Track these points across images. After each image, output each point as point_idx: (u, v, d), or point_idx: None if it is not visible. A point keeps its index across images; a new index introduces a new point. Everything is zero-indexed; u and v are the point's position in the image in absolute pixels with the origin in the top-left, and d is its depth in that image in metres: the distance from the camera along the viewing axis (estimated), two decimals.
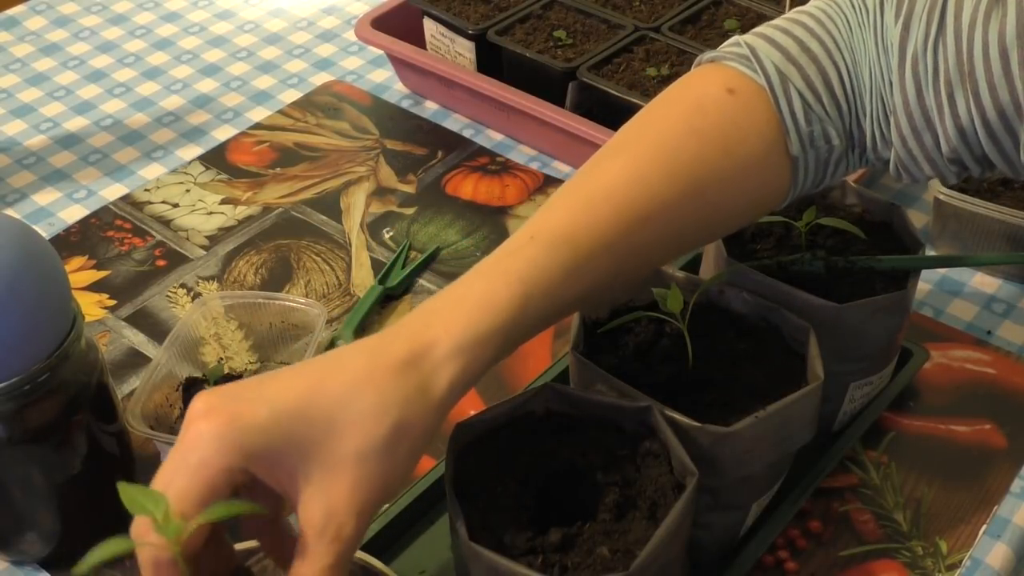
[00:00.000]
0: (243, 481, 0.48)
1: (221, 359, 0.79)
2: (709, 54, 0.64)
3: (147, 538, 0.46)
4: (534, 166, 1.02)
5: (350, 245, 0.93)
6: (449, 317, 0.52)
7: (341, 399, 0.49)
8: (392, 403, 0.50)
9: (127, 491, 0.46)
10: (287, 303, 0.80)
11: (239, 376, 0.77)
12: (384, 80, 1.13)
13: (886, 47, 0.61)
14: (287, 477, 0.48)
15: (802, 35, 0.62)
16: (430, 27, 1.07)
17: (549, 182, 1.00)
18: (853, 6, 0.63)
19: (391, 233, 0.95)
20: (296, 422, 0.48)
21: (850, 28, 0.62)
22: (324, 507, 0.48)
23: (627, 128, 0.61)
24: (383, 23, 1.08)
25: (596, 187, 0.58)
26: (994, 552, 0.70)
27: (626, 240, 0.57)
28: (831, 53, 0.61)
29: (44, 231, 0.95)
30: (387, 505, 0.71)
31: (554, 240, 0.55)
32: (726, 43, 0.64)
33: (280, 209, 0.97)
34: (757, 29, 0.64)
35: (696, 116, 0.60)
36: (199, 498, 0.47)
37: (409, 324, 0.53)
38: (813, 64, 0.61)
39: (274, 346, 0.81)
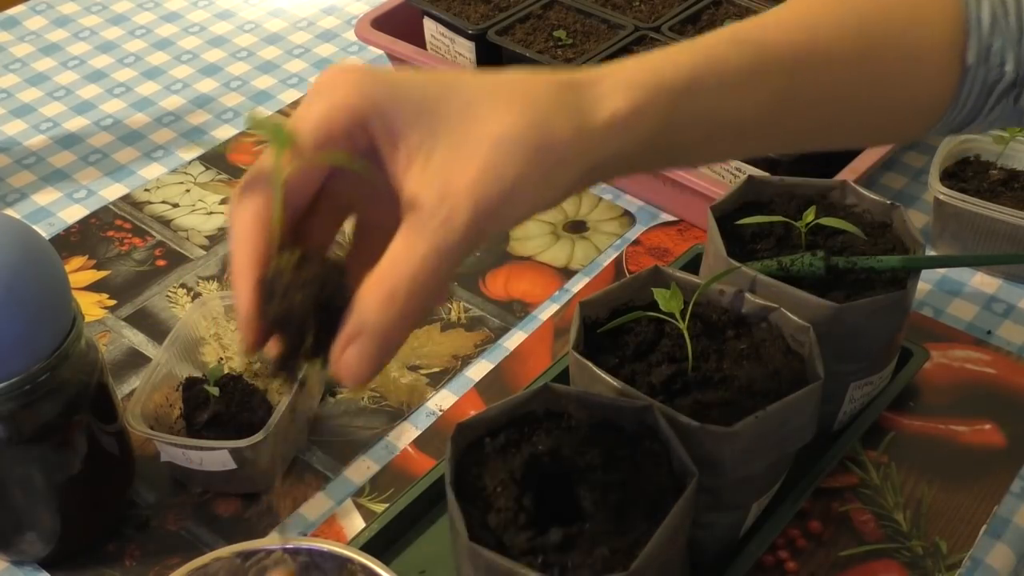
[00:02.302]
0: (363, 145, 0.45)
1: (221, 359, 0.79)
2: None
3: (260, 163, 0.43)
4: None
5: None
6: (620, 65, 0.49)
7: (489, 87, 0.45)
8: (541, 108, 0.45)
9: (252, 115, 0.45)
10: None
11: (239, 376, 0.77)
12: None
13: None
14: (408, 152, 0.44)
15: None
16: (430, 27, 1.07)
17: None
18: None
19: None
20: (435, 91, 0.44)
21: None
22: (440, 186, 0.43)
23: None
24: (383, 23, 1.08)
25: (789, 11, 0.56)
26: (994, 552, 0.70)
27: (805, 70, 0.54)
28: None
29: (44, 231, 0.95)
30: (387, 505, 0.71)
31: (741, 36, 0.53)
32: None
33: None
34: None
35: None
36: (319, 134, 0.44)
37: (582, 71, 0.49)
38: None
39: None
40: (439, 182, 0.43)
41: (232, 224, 0.45)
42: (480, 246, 0.47)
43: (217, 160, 1.03)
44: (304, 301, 0.43)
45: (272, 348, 0.45)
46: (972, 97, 0.60)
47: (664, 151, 0.51)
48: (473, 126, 0.44)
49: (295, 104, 1.10)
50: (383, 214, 0.47)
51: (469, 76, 0.46)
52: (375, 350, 0.43)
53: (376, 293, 0.43)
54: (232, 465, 0.70)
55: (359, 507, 0.73)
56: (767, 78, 0.53)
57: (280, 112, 1.09)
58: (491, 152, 0.44)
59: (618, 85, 0.48)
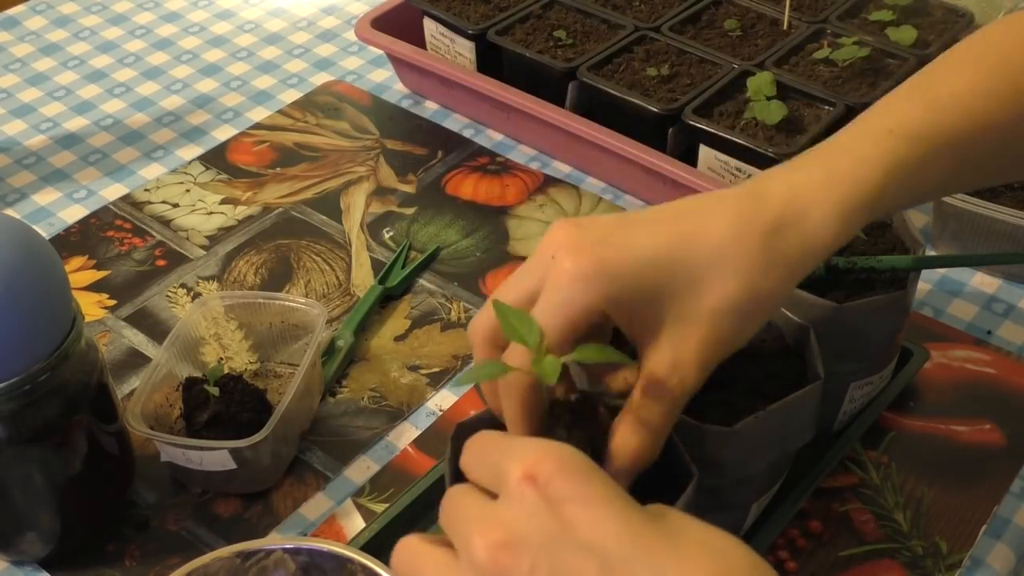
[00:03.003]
0: (597, 324, 0.51)
1: (221, 359, 0.79)
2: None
3: (523, 366, 0.48)
4: (534, 166, 1.02)
5: (350, 245, 0.93)
6: (819, 190, 0.54)
7: (707, 257, 0.51)
8: (756, 271, 0.51)
9: (502, 310, 0.48)
10: (287, 303, 0.80)
11: (239, 376, 0.77)
12: (384, 80, 1.13)
13: None
14: (640, 324, 0.51)
15: None
16: (430, 27, 1.07)
17: (549, 182, 1.00)
18: None
19: (391, 233, 0.95)
20: (660, 274, 0.50)
21: None
22: (672, 357, 0.50)
23: (970, 43, 0.63)
24: (383, 23, 1.08)
25: (943, 89, 0.59)
26: (994, 552, 0.70)
27: (968, 149, 0.58)
28: None
29: (44, 231, 0.95)
30: (387, 505, 0.71)
31: (913, 134, 0.56)
32: None
33: (280, 209, 0.97)
34: None
35: None
36: (563, 337, 0.49)
37: (779, 188, 0.54)
38: None
39: (274, 346, 0.81)
40: (670, 351, 0.51)
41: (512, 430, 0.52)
42: None
43: (217, 160, 1.03)
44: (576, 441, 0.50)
45: None
46: None
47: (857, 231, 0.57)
48: (697, 300, 0.51)
49: (295, 104, 1.10)
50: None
51: (690, 240, 0.51)
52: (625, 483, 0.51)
53: (628, 452, 0.51)
54: (232, 465, 0.70)
55: (359, 507, 0.73)
56: (939, 166, 0.58)
57: (281, 112, 1.09)
58: (713, 324, 0.51)
59: (827, 219, 0.53)
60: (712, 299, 0.51)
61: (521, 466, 0.42)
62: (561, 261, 0.50)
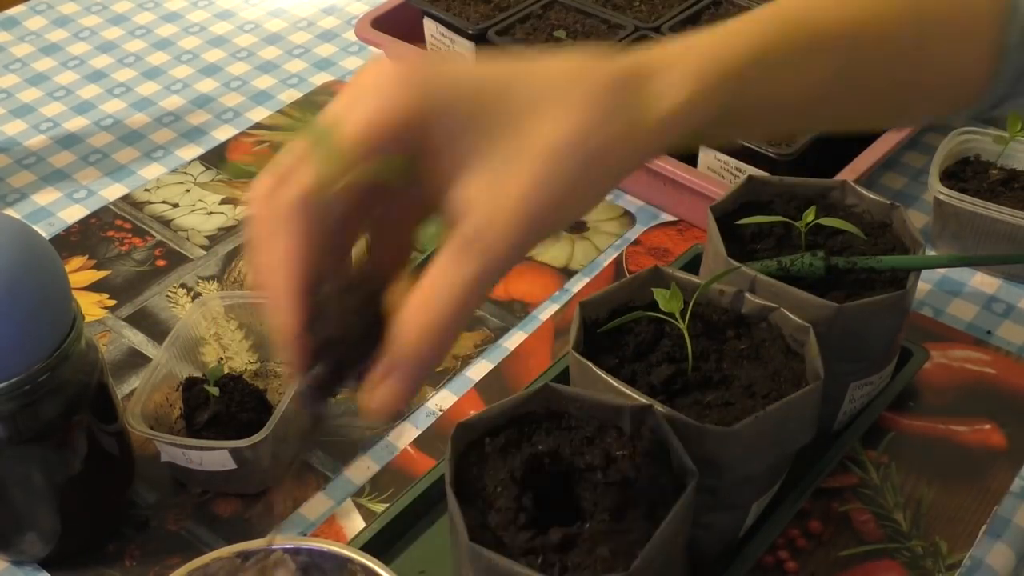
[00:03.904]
0: (407, 149, 0.42)
1: (221, 359, 0.79)
2: None
3: (297, 171, 0.41)
4: None
5: None
6: (675, 53, 0.48)
7: (546, 88, 0.44)
8: (598, 112, 0.44)
9: (306, 117, 0.42)
10: None
11: (239, 376, 0.77)
12: None
13: None
14: (459, 157, 0.42)
15: None
16: (430, 27, 1.07)
17: None
18: None
19: None
20: (486, 97, 0.43)
21: None
22: (490, 203, 0.42)
23: None
24: (383, 23, 1.08)
25: None
26: (994, 552, 0.70)
27: (857, 50, 0.54)
28: None
29: (44, 231, 0.95)
30: (387, 505, 0.71)
31: (789, 20, 0.52)
32: None
33: None
34: None
35: None
36: (367, 145, 0.41)
37: (633, 53, 0.47)
38: None
39: (274, 346, 0.81)
40: (489, 197, 0.42)
41: (270, 246, 0.42)
42: None
43: (217, 160, 1.03)
44: (353, 327, 0.42)
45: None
46: (1006, 80, 0.59)
47: (718, 134, 0.52)
48: (528, 136, 0.43)
49: (295, 104, 1.10)
50: (407, 209, 0.46)
51: (529, 71, 0.45)
52: (410, 383, 0.43)
53: (416, 323, 0.42)
54: (232, 465, 0.70)
55: (359, 507, 0.73)
56: (823, 60, 0.52)
57: (281, 112, 1.09)
58: (544, 164, 0.43)
59: (677, 79, 0.47)
60: (546, 135, 0.43)
61: None
62: (378, 64, 0.42)
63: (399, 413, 0.42)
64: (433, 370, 0.43)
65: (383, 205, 0.47)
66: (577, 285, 0.89)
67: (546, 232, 0.44)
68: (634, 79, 0.46)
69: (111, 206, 0.98)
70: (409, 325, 0.41)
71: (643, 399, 0.60)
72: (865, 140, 0.91)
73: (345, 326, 0.41)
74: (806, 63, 0.52)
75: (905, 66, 0.57)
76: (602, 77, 0.45)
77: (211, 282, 0.90)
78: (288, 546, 0.60)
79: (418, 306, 0.42)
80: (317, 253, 0.42)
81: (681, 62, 0.48)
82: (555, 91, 0.44)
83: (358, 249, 0.46)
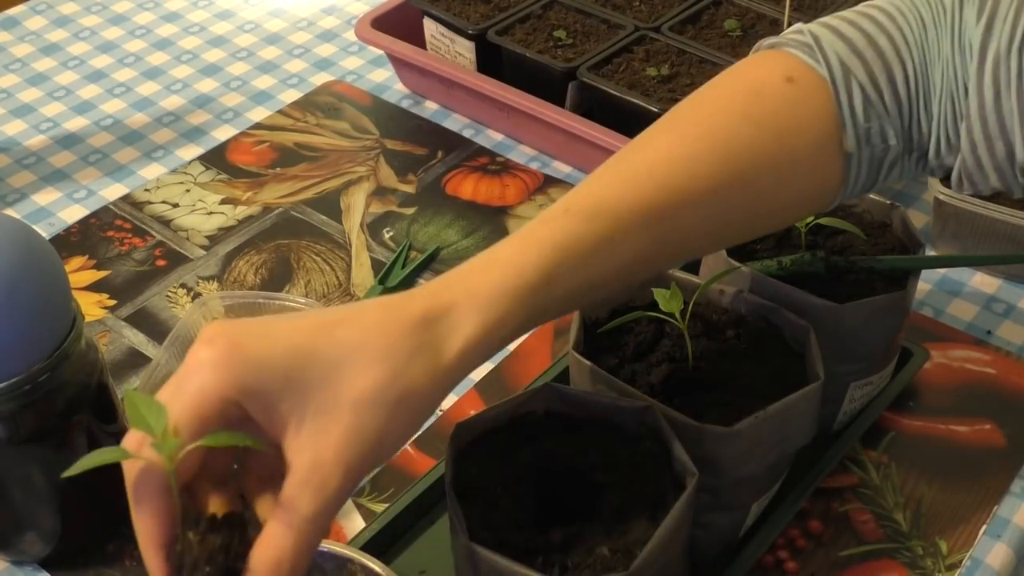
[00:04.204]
0: (237, 416, 0.47)
1: None
2: (769, 40, 0.62)
3: (141, 452, 0.45)
4: (534, 166, 1.02)
5: (350, 245, 0.93)
6: (472, 278, 0.51)
7: (347, 346, 0.48)
8: (400, 358, 0.48)
9: (132, 397, 0.45)
10: (287, 303, 0.80)
11: None
12: (384, 80, 1.13)
13: (963, 48, 0.58)
14: (280, 420, 0.47)
15: (870, 28, 0.60)
16: (430, 27, 1.07)
17: (549, 182, 1.00)
18: (929, 4, 0.60)
19: (391, 233, 0.95)
20: (298, 362, 0.47)
21: (924, 26, 0.60)
22: (312, 455, 0.46)
23: (679, 107, 0.59)
24: (383, 23, 1.08)
25: (640, 162, 0.56)
26: (994, 552, 0.70)
27: (667, 220, 0.55)
28: (899, 50, 0.59)
29: (44, 231, 0.95)
30: (387, 505, 0.71)
31: (591, 210, 0.53)
32: (788, 30, 0.62)
33: (280, 209, 0.97)
34: (822, 19, 0.62)
35: (752, 101, 0.58)
36: (193, 424, 0.46)
37: (431, 284, 0.51)
38: (879, 59, 0.59)
39: None
40: (311, 449, 0.46)
41: (135, 519, 0.47)
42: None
43: (217, 160, 1.03)
44: (217, 568, 0.46)
45: None
46: (863, 175, 0.61)
47: (531, 327, 0.53)
48: (337, 391, 0.47)
49: (295, 104, 1.10)
50: (264, 453, 0.49)
51: (331, 330, 0.48)
52: None
53: (263, 563, 0.46)
54: (232, 464, 0.70)
55: (359, 507, 0.73)
56: (628, 241, 0.54)
57: (281, 112, 1.09)
58: (354, 416, 0.47)
59: (467, 314, 0.49)
60: (353, 389, 0.47)
61: None
62: (196, 350, 0.47)
63: None
64: None
65: (229, 460, 0.51)
66: None
67: (366, 471, 0.48)
68: (429, 321, 0.49)
69: (111, 206, 0.98)
70: (258, 565, 0.46)
71: (643, 399, 0.60)
72: None
73: (210, 568, 0.46)
74: (611, 248, 0.53)
75: (727, 212, 0.58)
76: (399, 326, 0.49)
77: (211, 282, 0.90)
78: None
79: (263, 548, 0.46)
80: (170, 515, 0.47)
81: (472, 295, 0.50)
82: (355, 347, 0.48)
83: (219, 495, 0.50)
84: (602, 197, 0.54)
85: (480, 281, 0.51)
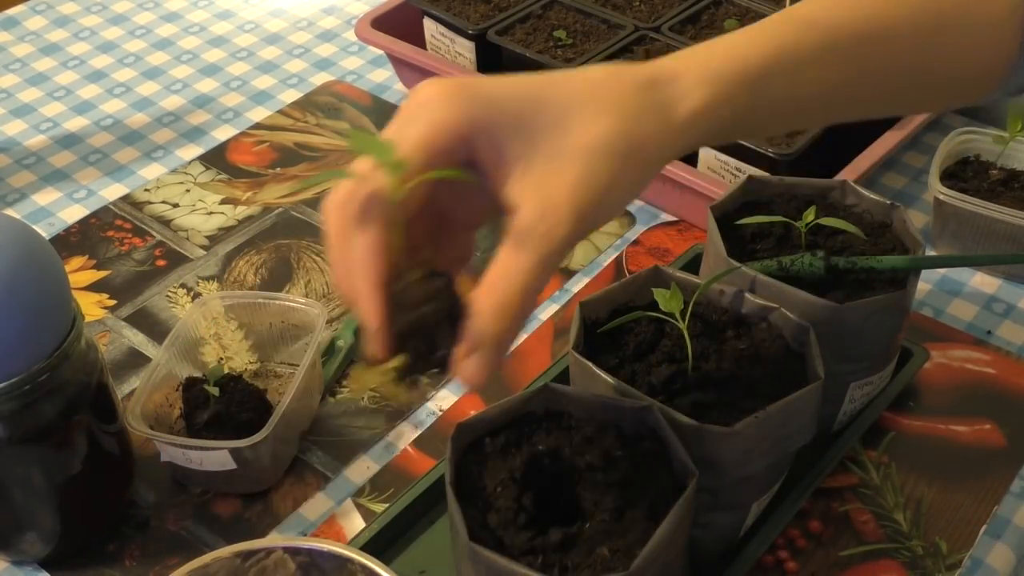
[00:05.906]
0: (462, 158, 0.47)
1: (221, 359, 0.79)
2: None
3: (369, 176, 0.45)
4: None
5: None
6: (697, 55, 0.52)
7: (579, 95, 0.48)
8: (630, 111, 0.48)
9: (356, 135, 0.45)
10: (287, 303, 0.80)
11: (239, 376, 0.77)
12: (384, 80, 1.13)
13: None
14: (506, 163, 0.47)
15: None
16: (430, 27, 1.07)
17: None
18: None
19: None
20: (530, 105, 0.47)
21: None
22: (541, 200, 0.46)
23: None
24: (383, 23, 1.08)
25: None
26: (994, 552, 0.70)
27: (872, 51, 0.56)
28: None
29: (44, 231, 0.95)
30: (387, 505, 0.71)
31: (808, 22, 0.54)
32: None
33: (280, 209, 0.97)
34: None
35: None
36: (423, 157, 0.45)
37: (654, 60, 0.52)
38: None
39: (274, 346, 0.81)
40: (540, 194, 0.46)
41: (347, 251, 0.46)
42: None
43: (217, 160, 1.03)
44: (431, 314, 0.46)
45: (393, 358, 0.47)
46: None
47: (741, 131, 0.54)
48: (567, 137, 0.47)
49: (295, 104, 1.10)
50: (470, 212, 0.50)
51: (560, 82, 0.49)
52: (493, 357, 0.47)
53: (490, 305, 0.46)
54: (232, 465, 0.70)
55: (359, 507, 0.73)
56: (837, 57, 0.55)
57: (281, 112, 1.09)
58: (586, 162, 0.46)
59: (695, 82, 0.50)
60: (585, 135, 0.47)
61: None
62: (425, 89, 0.47)
63: (479, 385, 0.47)
64: (511, 346, 0.47)
65: (447, 208, 0.51)
66: (577, 285, 0.89)
67: (593, 224, 0.48)
68: (657, 83, 0.50)
69: (111, 206, 0.98)
70: (483, 307, 0.46)
71: (643, 399, 0.60)
72: (865, 140, 0.91)
73: (423, 314, 0.45)
74: (820, 64, 0.54)
75: (917, 59, 0.58)
76: (627, 83, 0.49)
77: (211, 282, 0.90)
78: (288, 546, 0.60)
79: (488, 290, 0.46)
80: (392, 250, 0.46)
81: (699, 67, 0.51)
82: (586, 97, 0.48)
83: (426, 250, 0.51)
84: (818, 15, 0.55)
85: (706, 56, 0.52)
